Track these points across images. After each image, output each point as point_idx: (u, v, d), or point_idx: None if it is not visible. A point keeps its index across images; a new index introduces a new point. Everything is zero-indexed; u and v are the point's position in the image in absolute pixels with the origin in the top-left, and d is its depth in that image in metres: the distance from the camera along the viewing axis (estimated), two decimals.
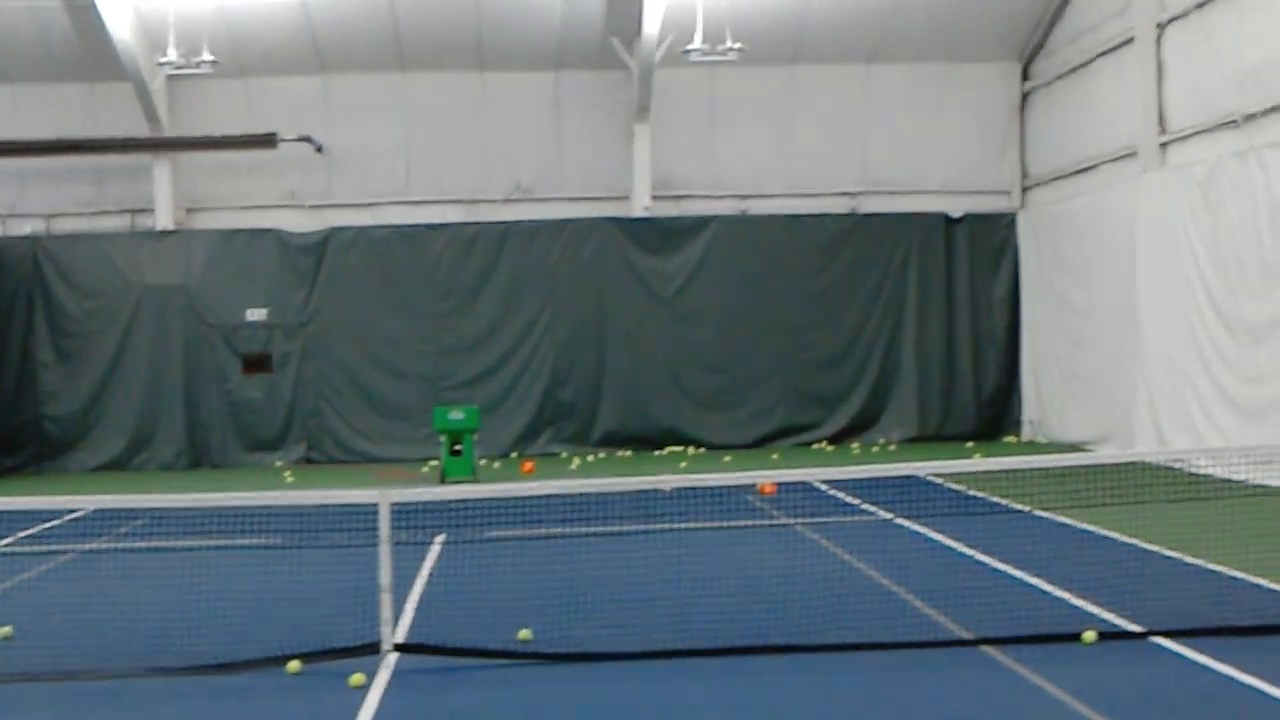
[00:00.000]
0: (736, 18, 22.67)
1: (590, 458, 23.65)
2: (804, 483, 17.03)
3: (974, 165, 25.55)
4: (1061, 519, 14.08)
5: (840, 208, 25.40)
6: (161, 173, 24.49)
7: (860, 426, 25.01)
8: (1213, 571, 11.13)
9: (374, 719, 7.71)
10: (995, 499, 15.71)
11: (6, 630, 10.07)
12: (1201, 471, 15.57)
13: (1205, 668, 8.21)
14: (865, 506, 15.73)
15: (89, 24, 22.56)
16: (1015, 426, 25.16)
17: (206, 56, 22.18)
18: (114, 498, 10.70)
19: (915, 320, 25.07)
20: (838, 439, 24.79)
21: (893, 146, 25.36)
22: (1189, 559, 11.67)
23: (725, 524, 14.35)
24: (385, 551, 8.92)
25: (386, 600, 8.96)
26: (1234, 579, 10.79)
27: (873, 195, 25.48)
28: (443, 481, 19.54)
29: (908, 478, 16.14)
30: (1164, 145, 20.12)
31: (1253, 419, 17.24)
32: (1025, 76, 25.39)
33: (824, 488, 17.15)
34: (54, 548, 14.36)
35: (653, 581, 11.03)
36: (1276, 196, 16.84)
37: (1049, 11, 23.97)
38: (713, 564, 12.02)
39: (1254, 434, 16.96)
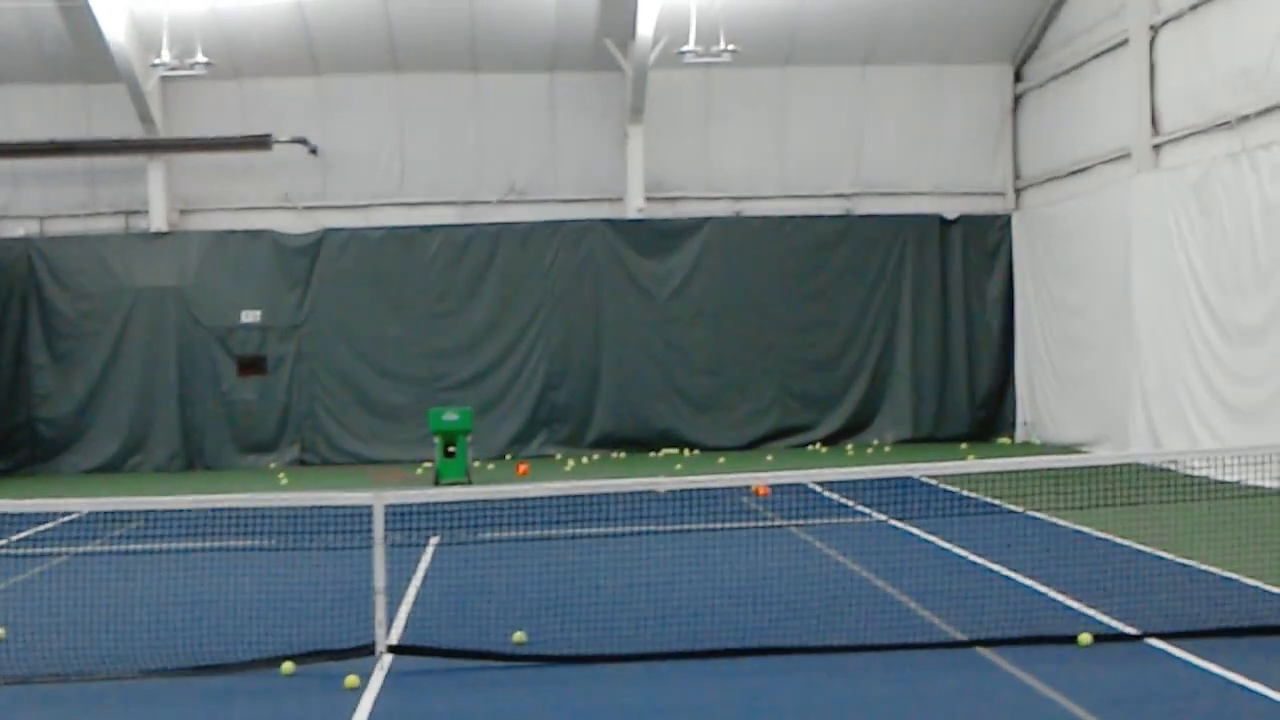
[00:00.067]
0: (730, 20, 22.68)
1: (585, 460, 23.64)
2: (798, 484, 17.09)
3: (968, 167, 25.58)
4: (1056, 520, 14.08)
5: (835, 209, 25.41)
6: (155, 174, 24.46)
7: (855, 428, 25.05)
8: (1207, 573, 11.13)
9: None
10: (989, 500, 15.70)
11: (0, 633, 10.06)
12: (1196, 473, 15.57)
13: (1200, 669, 8.21)
14: (859, 508, 15.71)
15: (83, 25, 22.52)
16: (1009, 428, 25.20)
17: (200, 58, 22.23)
18: (108, 500, 10.70)
19: (909, 322, 25.10)
20: (832, 440, 24.83)
21: (887, 148, 25.37)
22: (1183, 560, 11.68)
23: (720, 526, 14.35)
24: (379, 553, 8.92)
25: (381, 602, 8.96)
26: (1229, 580, 10.79)
27: (867, 197, 25.50)
28: (437, 483, 19.53)
29: (902, 479, 16.18)
30: (1157, 147, 20.16)
31: (1246, 420, 17.27)
32: (1019, 78, 25.43)
33: (818, 489, 17.17)
34: (47, 550, 14.32)
35: (647, 584, 11.02)
36: (1269, 198, 16.87)
37: (1042, 14, 24.00)
38: (707, 566, 12.00)
39: (1248, 435, 16.98)
